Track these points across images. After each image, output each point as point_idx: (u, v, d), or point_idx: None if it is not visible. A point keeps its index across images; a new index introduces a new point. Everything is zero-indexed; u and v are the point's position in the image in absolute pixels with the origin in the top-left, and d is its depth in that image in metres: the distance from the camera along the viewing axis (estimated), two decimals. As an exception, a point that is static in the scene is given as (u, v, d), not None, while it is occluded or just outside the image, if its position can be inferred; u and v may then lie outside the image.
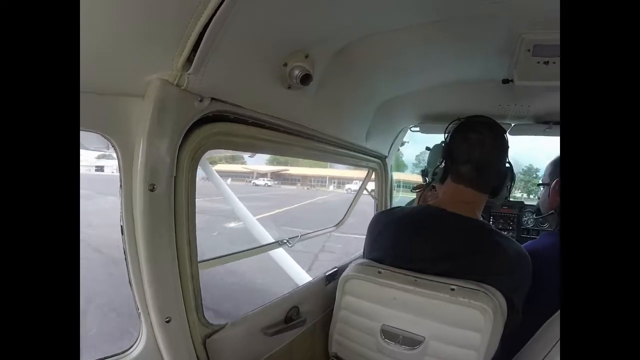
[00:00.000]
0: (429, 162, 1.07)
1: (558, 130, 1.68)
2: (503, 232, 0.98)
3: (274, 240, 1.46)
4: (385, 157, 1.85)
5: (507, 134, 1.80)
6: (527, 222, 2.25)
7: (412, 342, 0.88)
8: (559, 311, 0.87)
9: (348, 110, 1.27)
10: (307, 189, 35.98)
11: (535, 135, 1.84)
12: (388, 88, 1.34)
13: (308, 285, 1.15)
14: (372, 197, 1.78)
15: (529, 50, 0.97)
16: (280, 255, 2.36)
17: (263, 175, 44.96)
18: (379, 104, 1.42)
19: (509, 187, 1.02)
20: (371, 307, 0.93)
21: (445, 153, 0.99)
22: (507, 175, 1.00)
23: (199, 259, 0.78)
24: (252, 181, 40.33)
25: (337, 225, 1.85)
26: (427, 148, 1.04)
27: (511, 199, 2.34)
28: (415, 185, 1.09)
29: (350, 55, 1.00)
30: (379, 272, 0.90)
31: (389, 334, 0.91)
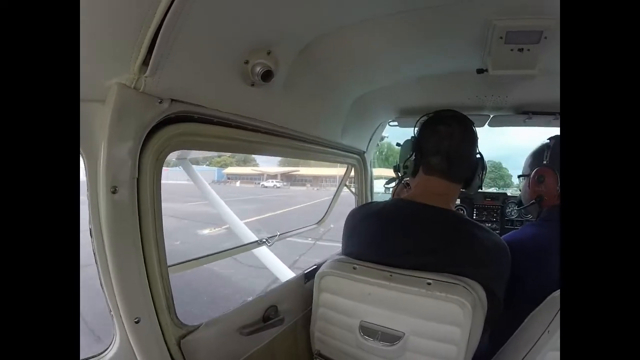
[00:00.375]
0: (400, 157, 1.06)
1: (537, 121, 1.66)
2: (481, 223, 0.96)
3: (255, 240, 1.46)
4: (364, 152, 1.84)
5: (487, 124, 1.81)
6: (510, 214, 2.24)
7: (392, 337, 0.86)
8: (544, 302, 0.85)
9: (320, 106, 1.26)
10: (317, 189, 35.74)
11: (514, 126, 1.82)
12: (360, 83, 1.33)
13: (286, 284, 1.14)
14: (352, 193, 1.77)
15: (501, 38, 0.94)
16: (266, 255, 2.37)
17: (273, 176, 44.93)
18: (354, 100, 1.40)
19: (480, 177, 1.00)
20: (348, 303, 0.91)
21: (415, 146, 0.98)
22: (478, 165, 0.99)
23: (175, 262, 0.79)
24: (261, 183, 40.22)
25: (319, 222, 1.84)
26: (398, 144, 1.03)
27: (494, 191, 2.33)
28: (387, 180, 1.08)
29: (317, 52, 0.98)
30: (354, 268, 0.89)
31: (367, 330, 0.89)
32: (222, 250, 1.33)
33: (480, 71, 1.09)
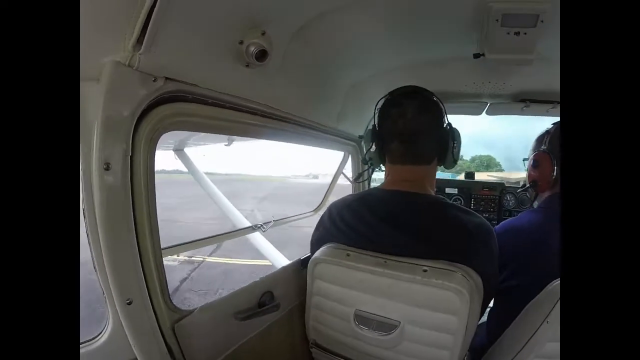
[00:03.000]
0: (365, 149, 1.02)
1: (535, 110, 1.63)
2: (464, 207, 0.92)
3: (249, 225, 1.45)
4: (361, 139, 1.80)
5: (485, 112, 1.77)
6: (508, 204, 2.22)
7: (387, 327, 0.85)
8: (543, 291, 0.82)
9: (316, 90, 1.24)
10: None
11: (512, 114, 1.79)
12: (357, 68, 1.30)
13: (282, 270, 1.13)
14: (349, 180, 1.74)
15: (497, 21, 0.92)
16: (261, 242, 2.39)
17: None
18: (350, 85, 1.38)
19: (453, 149, 0.93)
20: (342, 291, 0.89)
21: (373, 135, 0.93)
22: (447, 137, 0.92)
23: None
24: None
25: (316, 210, 1.82)
26: (360, 136, 1.00)
27: (491, 181, 2.31)
28: (356, 176, 1.05)
29: (313, 35, 0.96)
30: (347, 255, 0.86)
31: (362, 319, 0.87)
32: (216, 235, 1.32)
33: (477, 55, 1.06)
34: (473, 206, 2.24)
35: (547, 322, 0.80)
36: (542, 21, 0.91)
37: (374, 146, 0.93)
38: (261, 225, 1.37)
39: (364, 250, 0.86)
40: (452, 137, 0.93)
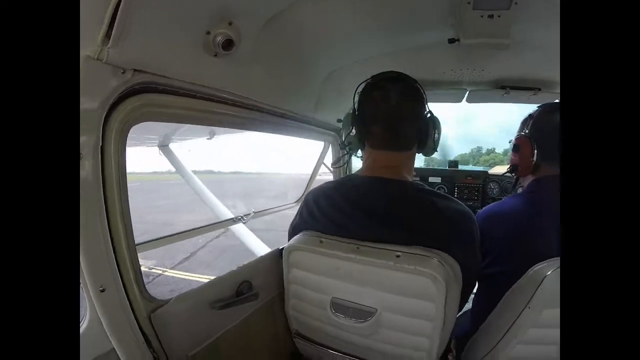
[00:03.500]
0: (343, 133, 0.98)
1: (516, 97, 1.63)
2: (440, 192, 0.91)
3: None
4: (340, 128, 1.82)
5: (465, 100, 1.75)
6: (492, 192, 2.23)
7: (364, 314, 0.84)
8: (524, 276, 0.82)
9: (292, 79, 1.23)
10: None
11: (493, 102, 1.78)
12: (333, 57, 1.29)
13: (261, 260, 1.13)
14: (330, 170, 1.74)
15: (469, 3, 0.90)
16: (243, 233, 2.40)
17: None
18: (327, 74, 1.37)
19: (434, 136, 0.92)
20: (318, 279, 0.89)
21: (354, 119, 0.91)
22: (428, 125, 0.91)
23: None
24: None
25: (298, 200, 1.81)
26: (339, 120, 0.99)
27: (475, 169, 2.31)
28: (333, 161, 1.04)
29: (286, 24, 0.95)
30: (321, 242, 0.86)
31: (339, 307, 0.87)
32: (197, 227, 1.32)
33: (452, 41, 1.04)
34: (457, 194, 2.25)
35: (529, 307, 0.79)
36: (515, 3, 0.89)
37: (353, 130, 0.91)
38: (241, 217, 1.37)
39: (339, 237, 0.85)
40: (433, 124, 0.92)
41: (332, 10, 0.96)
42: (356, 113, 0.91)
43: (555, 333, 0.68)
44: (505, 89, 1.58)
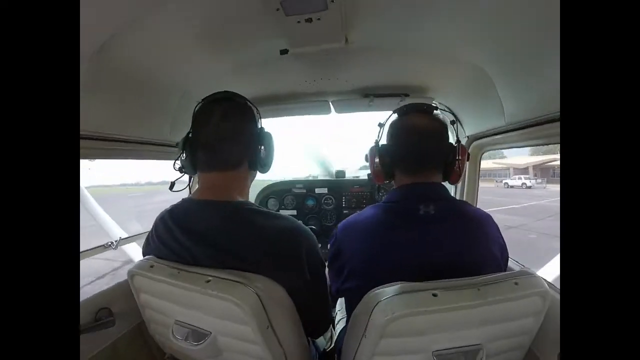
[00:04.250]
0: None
1: (383, 104, 1.58)
2: (270, 210, 0.88)
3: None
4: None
5: (334, 110, 1.71)
6: (380, 199, 2.16)
7: (199, 336, 0.83)
8: (361, 301, 0.78)
9: (141, 105, 1.21)
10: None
11: (360, 111, 1.72)
12: (179, 77, 1.26)
13: (118, 286, 1.13)
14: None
15: (278, 10, 0.83)
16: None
17: (522, 171, 34.17)
18: (181, 95, 1.34)
19: (264, 153, 0.92)
20: (160, 302, 0.89)
21: (185, 143, 0.91)
22: (256, 142, 0.91)
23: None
24: (505, 181, 30.69)
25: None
26: (177, 144, 0.96)
27: (362, 178, 2.23)
28: (170, 183, 1.02)
29: (118, 51, 0.94)
30: (151, 267, 0.86)
31: (179, 330, 0.86)
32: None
33: (283, 52, 1.00)
34: (345, 204, 2.19)
35: (365, 336, 0.75)
36: (332, 1, 0.81)
37: (184, 154, 0.91)
38: (111, 243, 1.38)
39: (166, 262, 0.85)
40: (262, 141, 0.92)
41: (164, 30, 0.94)
42: (189, 136, 0.91)
43: None
44: (369, 97, 1.53)
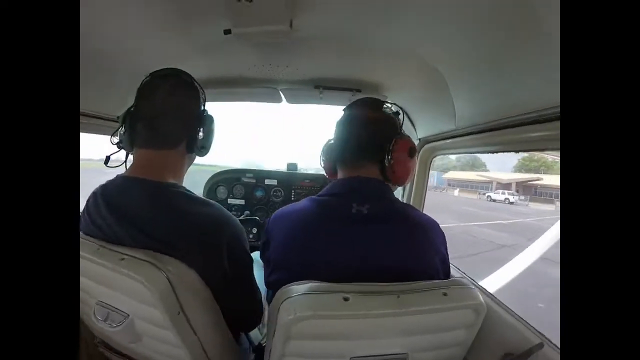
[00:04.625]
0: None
1: (335, 98, 1.55)
2: (199, 196, 0.87)
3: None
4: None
5: (285, 100, 1.69)
6: None
7: (117, 318, 0.80)
8: (275, 295, 0.75)
9: (96, 80, 1.21)
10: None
11: (311, 102, 1.69)
12: (139, 57, 1.25)
13: None
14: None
15: None
16: None
17: (505, 186, 35.16)
18: (128, 72, 1.32)
19: (200, 135, 0.90)
20: (83, 281, 0.85)
21: (125, 116, 0.89)
22: (197, 123, 0.90)
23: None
24: (487, 194, 31.44)
25: None
26: (118, 117, 0.94)
27: (313, 173, 2.19)
28: (105, 158, 0.99)
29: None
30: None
31: (100, 311, 0.83)
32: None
33: (226, 32, 0.98)
34: (294, 197, 2.15)
35: (274, 335, 0.73)
36: None
37: (123, 128, 0.90)
38: None
39: (91, 239, 0.83)
40: (203, 122, 0.91)
41: (112, 9, 0.94)
42: (130, 110, 0.90)
43: None
44: (319, 88, 1.50)
